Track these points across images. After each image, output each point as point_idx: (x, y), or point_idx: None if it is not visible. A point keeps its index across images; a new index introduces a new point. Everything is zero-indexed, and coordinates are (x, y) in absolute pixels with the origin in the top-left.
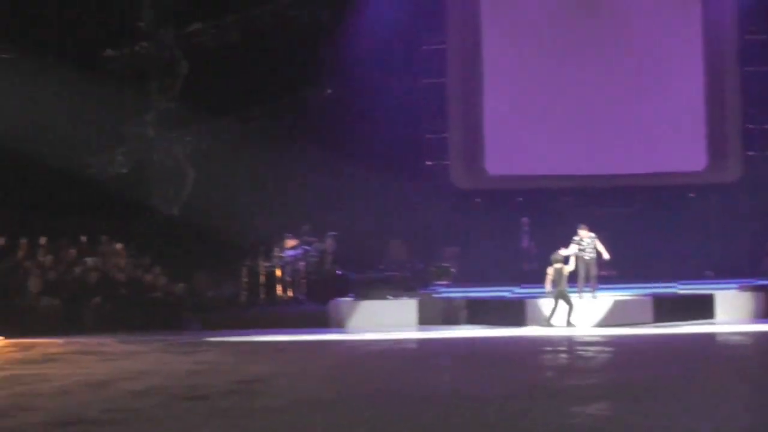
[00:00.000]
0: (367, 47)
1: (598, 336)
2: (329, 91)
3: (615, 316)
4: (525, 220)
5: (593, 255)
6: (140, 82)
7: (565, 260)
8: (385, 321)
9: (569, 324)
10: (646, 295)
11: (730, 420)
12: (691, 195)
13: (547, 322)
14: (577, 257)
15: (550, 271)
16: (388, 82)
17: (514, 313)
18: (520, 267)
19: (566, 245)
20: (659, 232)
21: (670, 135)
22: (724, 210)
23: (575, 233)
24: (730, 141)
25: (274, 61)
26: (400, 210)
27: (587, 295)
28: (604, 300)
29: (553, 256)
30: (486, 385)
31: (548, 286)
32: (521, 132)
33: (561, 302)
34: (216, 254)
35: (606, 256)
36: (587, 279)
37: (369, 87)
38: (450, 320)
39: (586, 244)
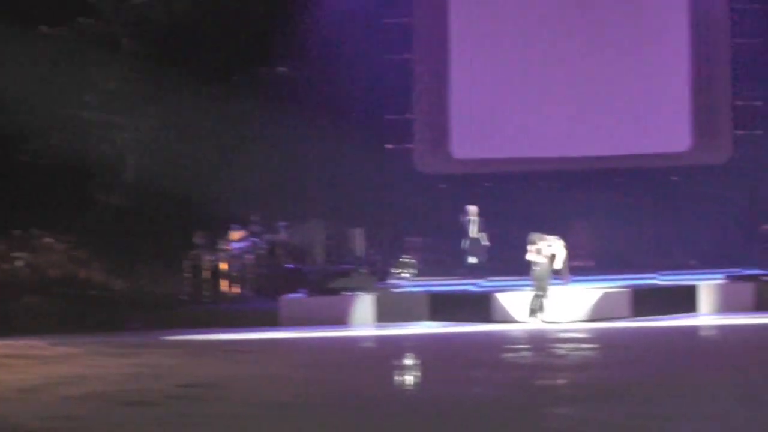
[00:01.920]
0: (325, 21)
1: (572, 332)
2: (284, 69)
3: (591, 310)
4: (471, 208)
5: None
6: (80, 60)
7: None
8: (340, 318)
9: (542, 319)
10: (624, 287)
11: (710, 423)
12: (674, 178)
13: (537, 318)
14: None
15: (535, 250)
16: (348, 59)
17: (481, 308)
18: (463, 261)
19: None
20: (640, 219)
21: (652, 113)
22: (711, 194)
23: (547, 222)
24: (718, 119)
25: (226, 38)
26: (360, 197)
27: (559, 287)
28: (579, 293)
29: (531, 236)
30: (451, 386)
31: (537, 260)
32: (491, 113)
33: (540, 294)
34: (159, 248)
35: (559, 265)
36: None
37: (327, 64)
38: (411, 317)
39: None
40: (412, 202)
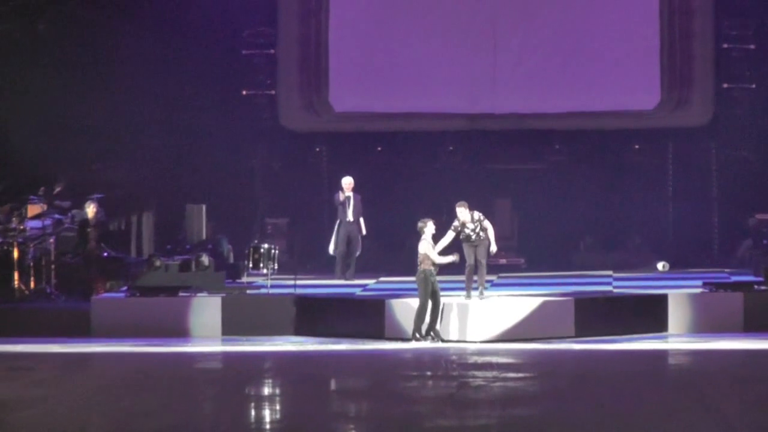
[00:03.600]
0: None
1: (491, 355)
2: None
3: (519, 326)
4: (346, 181)
5: (482, 238)
6: None
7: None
8: (174, 328)
9: (433, 337)
10: (564, 295)
11: None
12: (636, 147)
13: (422, 335)
14: (463, 242)
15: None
16: None
17: (368, 319)
18: (325, 254)
19: (442, 222)
20: (588, 201)
21: (608, 57)
22: (685, 169)
23: (457, 202)
24: (696, 67)
25: None
26: (203, 162)
27: (474, 295)
28: (501, 302)
29: (420, 225)
30: (318, 422)
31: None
32: (385, 51)
33: (425, 303)
34: None
35: (494, 247)
36: (474, 270)
37: None
38: (271, 328)
39: (470, 230)
40: (275, 170)
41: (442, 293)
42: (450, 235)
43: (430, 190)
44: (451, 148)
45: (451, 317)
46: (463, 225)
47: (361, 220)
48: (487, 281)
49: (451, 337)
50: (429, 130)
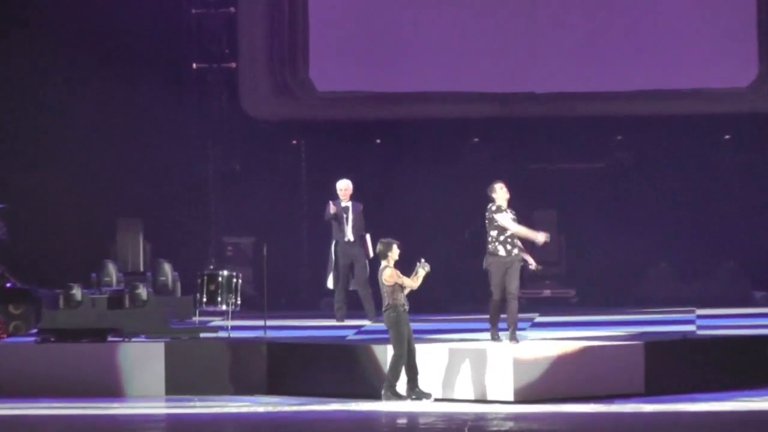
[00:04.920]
0: None
1: (524, 421)
2: None
3: (565, 380)
4: (342, 185)
5: (516, 251)
6: None
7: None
8: (101, 384)
9: (415, 396)
10: (631, 338)
11: None
12: (727, 137)
13: (396, 394)
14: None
15: (389, 278)
16: None
17: (363, 371)
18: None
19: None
20: (662, 214)
21: (686, 17)
22: None
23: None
24: None
25: None
26: (142, 163)
27: (502, 337)
28: (542, 347)
29: (380, 247)
30: None
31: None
32: (384, 8)
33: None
34: None
35: (532, 263)
36: (501, 300)
37: None
38: (234, 385)
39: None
40: (236, 172)
41: (444, 328)
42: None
43: (448, 197)
44: (476, 140)
45: (467, 367)
46: (499, 209)
47: (368, 237)
48: (523, 321)
49: (466, 396)
50: (446, 116)
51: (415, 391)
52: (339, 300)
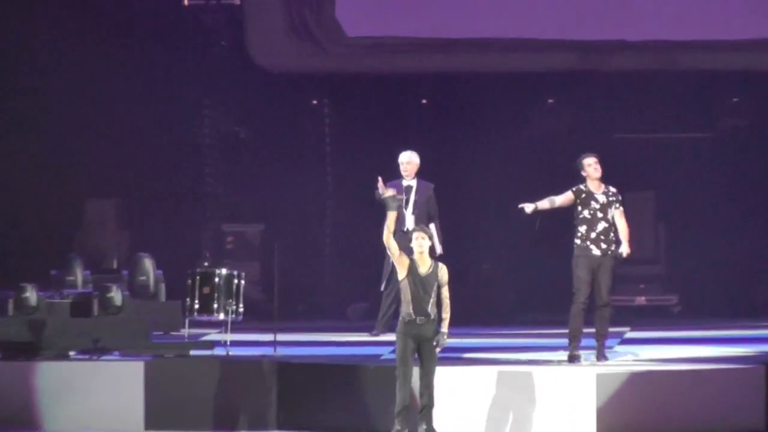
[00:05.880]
0: None
1: None
2: None
3: (665, 411)
4: (406, 158)
5: (613, 248)
6: None
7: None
8: (58, 413)
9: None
10: (751, 359)
11: None
12: None
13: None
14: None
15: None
16: None
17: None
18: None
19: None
20: None
21: None
22: None
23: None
24: None
25: None
26: (118, 130)
27: (587, 356)
28: (635, 371)
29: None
30: None
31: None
32: None
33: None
34: None
35: (625, 248)
36: (585, 307)
37: None
38: (235, 417)
39: (598, 205)
40: (240, 140)
41: (505, 345)
42: (567, 196)
43: (514, 174)
44: (550, 101)
45: (527, 396)
46: (589, 193)
47: (433, 229)
48: (613, 335)
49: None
50: (511, 70)
51: (426, 430)
52: (385, 307)
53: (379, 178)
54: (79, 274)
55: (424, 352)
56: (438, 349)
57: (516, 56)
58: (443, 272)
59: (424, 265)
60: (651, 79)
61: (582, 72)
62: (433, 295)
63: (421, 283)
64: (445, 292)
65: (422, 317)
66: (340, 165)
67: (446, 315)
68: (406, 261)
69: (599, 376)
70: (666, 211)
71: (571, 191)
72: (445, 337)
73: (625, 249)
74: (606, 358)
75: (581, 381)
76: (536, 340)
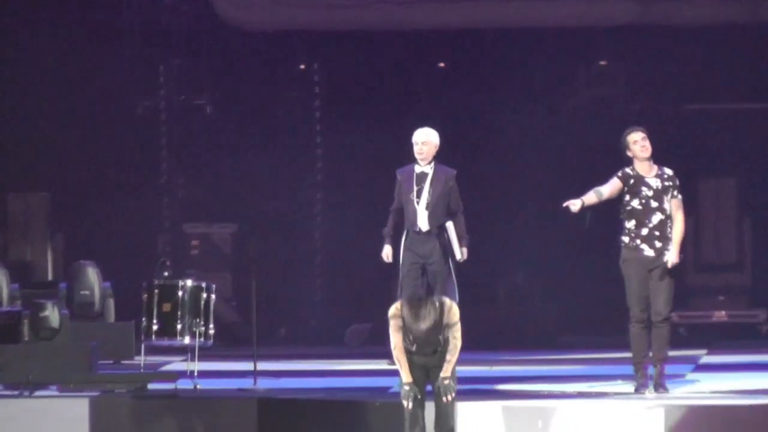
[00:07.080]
0: None
1: None
2: None
3: None
4: (421, 136)
5: (667, 236)
6: None
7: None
8: None
9: None
10: None
11: None
12: None
13: None
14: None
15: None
16: None
17: None
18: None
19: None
20: None
21: None
22: None
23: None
24: None
25: None
26: (57, 98)
27: (645, 387)
28: (707, 402)
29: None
30: None
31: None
32: None
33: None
34: None
35: (672, 255)
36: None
37: None
38: None
39: (650, 192)
40: (206, 117)
41: (544, 374)
42: (614, 184)
43: (554, 155)
44: (601, 62)
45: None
46: (638, 177)
47: (450, 229)
48: (685, 359)
49: None
50: (551, 25)
51: None
52: None
53: (386, 250)
54: (3, 289)
55: (436, 386)
56: (448, 398)
57: (558, 6)
58: (452, 313)
59: (425, 321)
60: (731, 35)
61: (639, 26)
62: (441, 338)
63: (424, 340)
64: (455, 333)
65: (428, 349)
66: (334, 147)
67: (450, 357)
68: (400, 323)
69: (668, 412)
70: (751, 204)
71: (616, 177)
72: (446, 382)
73: (672, 256)
74: (665, 389)
75: (645, 417)
76: (584, 368)
